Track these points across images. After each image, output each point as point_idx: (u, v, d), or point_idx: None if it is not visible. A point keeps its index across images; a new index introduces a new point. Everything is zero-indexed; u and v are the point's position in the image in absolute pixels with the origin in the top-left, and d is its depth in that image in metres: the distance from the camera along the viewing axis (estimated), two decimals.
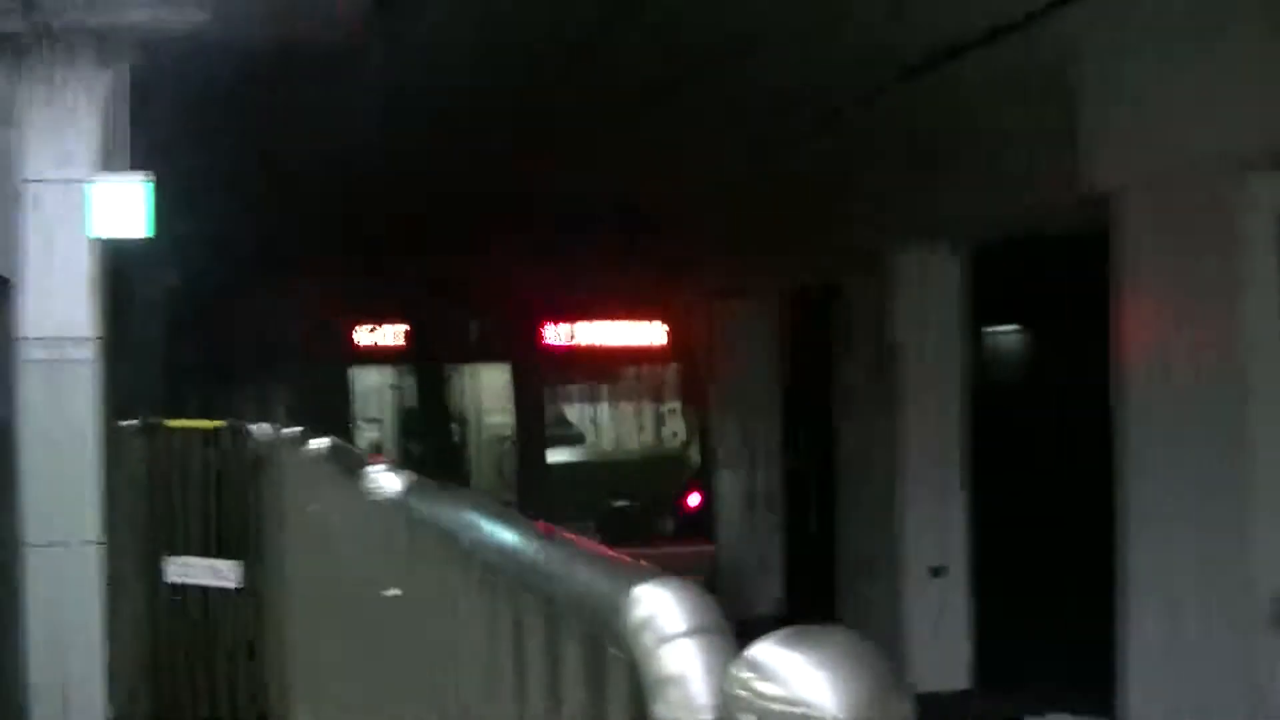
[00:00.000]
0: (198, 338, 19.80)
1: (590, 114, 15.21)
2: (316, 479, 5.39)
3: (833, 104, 12.86)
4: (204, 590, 8.18)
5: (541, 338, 17.76)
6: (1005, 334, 18.65)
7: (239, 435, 8.00)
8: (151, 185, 9.46)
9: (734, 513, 17.81)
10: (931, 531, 13.19)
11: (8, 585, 8.92)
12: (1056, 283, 14.86)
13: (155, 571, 8.27)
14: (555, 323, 17.66)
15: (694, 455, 17.91)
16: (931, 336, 13.42)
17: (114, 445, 8.83)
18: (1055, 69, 10.52)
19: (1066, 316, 15.09)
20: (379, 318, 18.67)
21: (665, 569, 1.38)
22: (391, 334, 18.91)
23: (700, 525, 17.12)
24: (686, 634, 1.33)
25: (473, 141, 16.15)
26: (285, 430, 7.24)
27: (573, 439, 18.65)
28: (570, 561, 1.70)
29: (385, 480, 3.36)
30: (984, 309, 14.38)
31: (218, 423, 8.51)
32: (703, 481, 17.65)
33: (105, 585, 9.17)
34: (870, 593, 13.67)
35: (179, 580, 8.20)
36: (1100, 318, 10.71)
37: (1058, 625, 12.61)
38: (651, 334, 18.08)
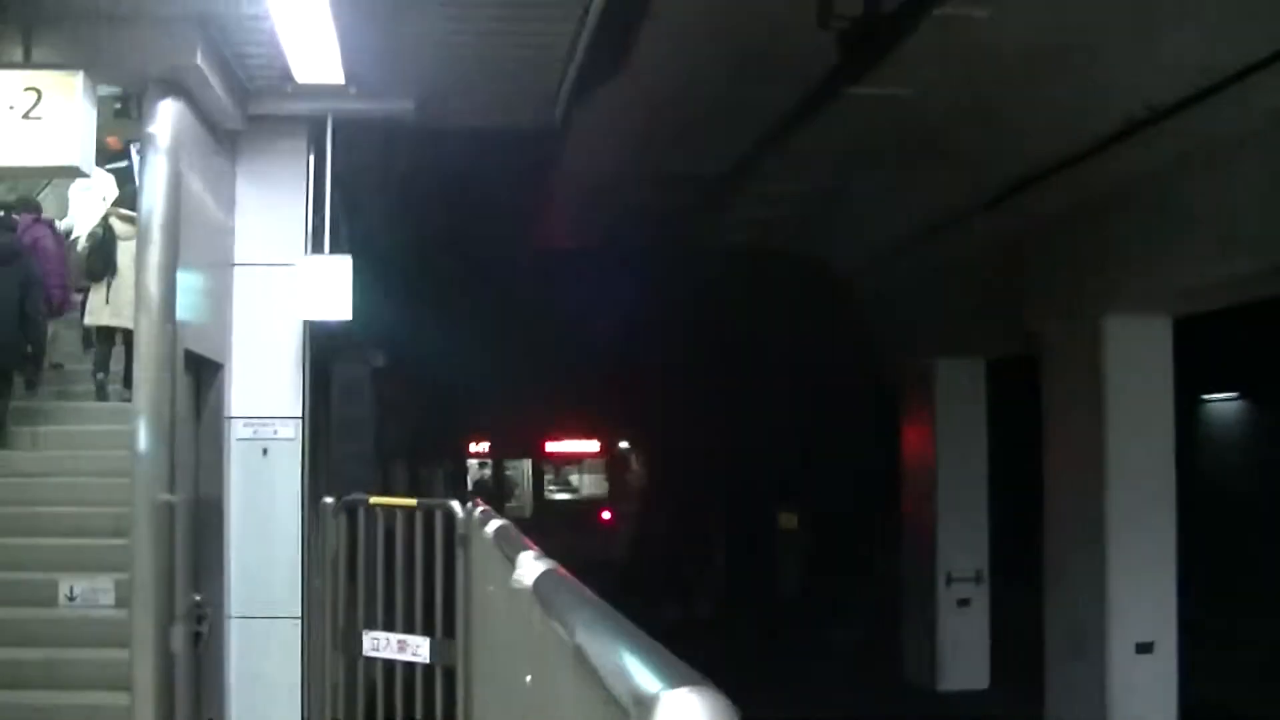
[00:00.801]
0: (397, 419, 21.35)
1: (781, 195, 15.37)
2: (490, 559, 5.49)
3: (1029, 167, 12.70)
4: (400, 663, 8.33)
5: (544, 448, 38.55)
6: (1220, 402, 18.06)
7: (439, 514, 8.12)
8: (351, 268, 9.77)
9: (939, 586, 17.54)
10: (1139, 607, 12.75)
11: (213, 653, 9.24)
12: (1272, 349, 14.34)
13: (353, 644, 8.45)
14: (549, 441, 38.06)
15: (609, 498, 37.60)
16: (1140, 405, 13.02)
17: (316, 521, 9.09)
18: (1261, 133, 10.16)
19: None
20: (480, 439, 37.84)
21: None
22: (485, 446, 38.57)
23: (612, 529, 34.64)
24: None
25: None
26: (478, 511, 7.33)
27: (558, 490, 41.59)
28: (629, 657, 1.72)
29: (526, 569, 3.41)
30: (1196, 377, 13.91)
31: (415, 500, 8.62)
32: (611, 509, 36.38)
33: (303, 656, 9.45)
34: (1077, 669, 13.25)
35: (373, 654, 8.36)
36: None
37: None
38: (592, 445, 38.58)
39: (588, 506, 37.78)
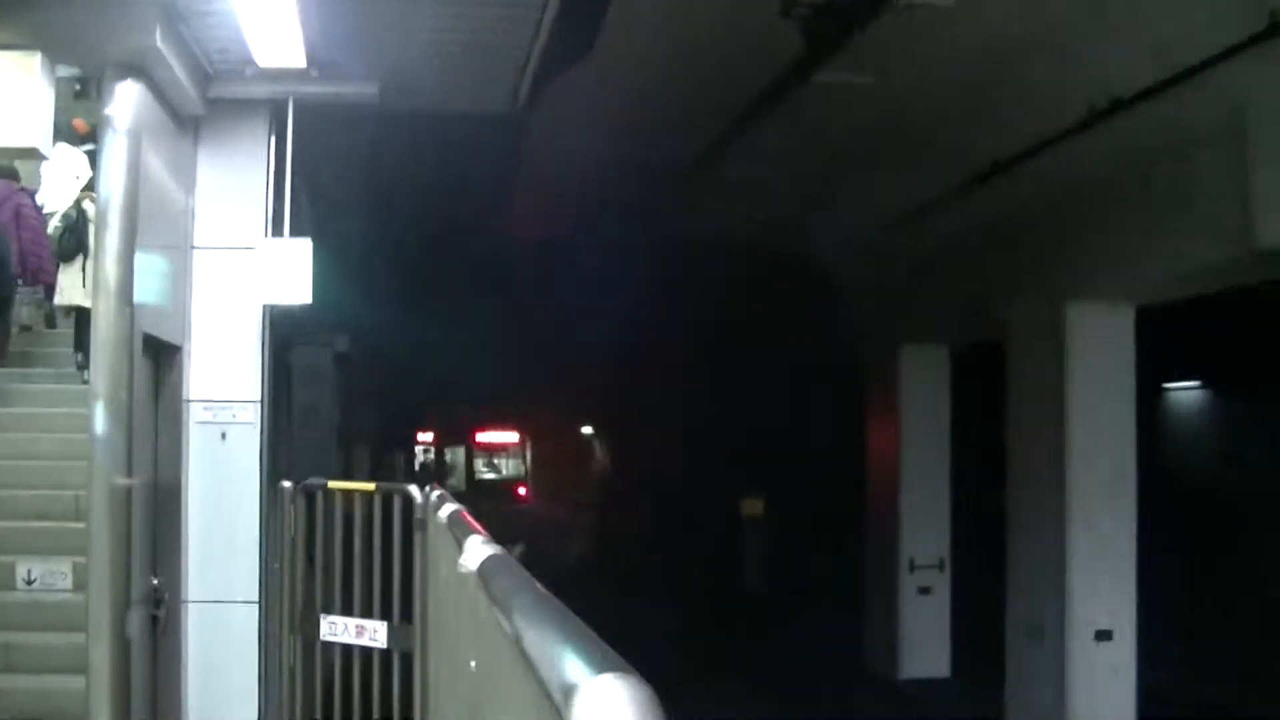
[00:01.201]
0: (357, 404, 21.53)
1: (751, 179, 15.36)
2: (444, 544, 5.48)
3: (994, 157, 12.70)
4: (359, 648, 8.32)
5: (474, 438, 49.14)
6: (1183, 390, 18.12)
7: (398, 498, 8.11)
8: (312, 251, 9.71)
9: (901, 575, 17.61)
10: (1099, 595, 12.83)
11: (170, 638, 9.20)
12: (1234, 338, 14.36)
13: (310, 628, 8.44)
14: (479, 432, 48.79)
15: (527, 478, 49.08)
16: (1102, 394, 13.08)
17: (275, 505, 9.05)
18: (1226, 123, 10.18)
19: (1246, 371, 14.60)
20: (425, 430, 45.86)
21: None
22: (429, 435, 47.35)
23: (526, 502, 45.57)
24: None
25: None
26: (435, 495, 7.32)
27: (485, 470, 50.90)
28: (559, 644, 1.73)
29: (472, 553, 3.41)
30: (1158, 366, 13.95)
31: (373, 485, 8.61)
32: (527, 487, 48.00)
33: (261, 640, 9.43)
34: (1036, 657, 13.33)
35: (330, 638, 8.35)
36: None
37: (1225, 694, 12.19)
38: (512, 436, 49.76)
39: (508, 484, 48.64)
